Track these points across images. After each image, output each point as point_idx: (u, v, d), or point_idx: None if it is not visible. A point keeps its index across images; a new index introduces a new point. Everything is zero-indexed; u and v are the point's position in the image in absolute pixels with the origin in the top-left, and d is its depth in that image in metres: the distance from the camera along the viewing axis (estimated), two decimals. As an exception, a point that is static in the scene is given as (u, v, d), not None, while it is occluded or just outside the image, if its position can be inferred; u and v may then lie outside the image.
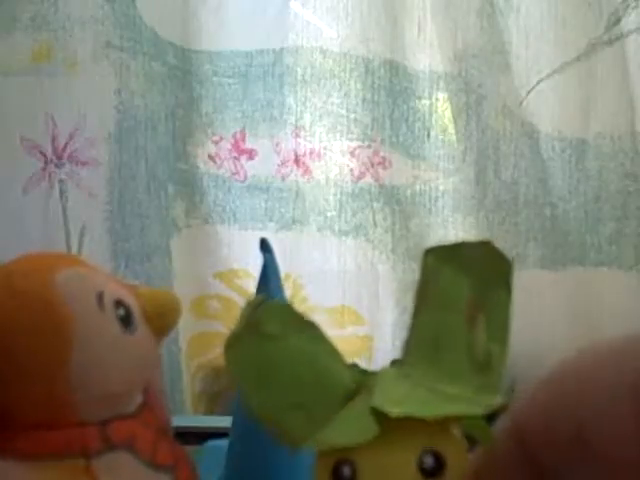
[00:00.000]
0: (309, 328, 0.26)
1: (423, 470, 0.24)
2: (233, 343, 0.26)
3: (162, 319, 0.37)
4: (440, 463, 0.24)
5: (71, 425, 0.33)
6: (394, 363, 0.27)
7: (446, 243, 0.25)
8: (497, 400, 0.24)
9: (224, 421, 0.47)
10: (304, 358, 0.26)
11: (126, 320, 0.35)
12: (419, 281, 0.26)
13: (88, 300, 0.34)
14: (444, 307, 0.25)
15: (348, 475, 0.24)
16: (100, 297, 0.34)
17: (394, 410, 0.23)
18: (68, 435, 0.33)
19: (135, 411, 0.36)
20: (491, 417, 0.24)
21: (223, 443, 0.46)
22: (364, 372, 0.27)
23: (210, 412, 0.85)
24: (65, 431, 0.33)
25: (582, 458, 0.22)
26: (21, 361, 0.32)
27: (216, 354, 0.85)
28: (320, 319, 0.29)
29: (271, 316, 0.26)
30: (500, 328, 0.24)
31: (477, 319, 0.24)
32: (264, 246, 0.43)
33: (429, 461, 0.24)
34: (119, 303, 0.35)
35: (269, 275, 0.43)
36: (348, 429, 0.24)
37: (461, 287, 0.24)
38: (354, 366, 0.28)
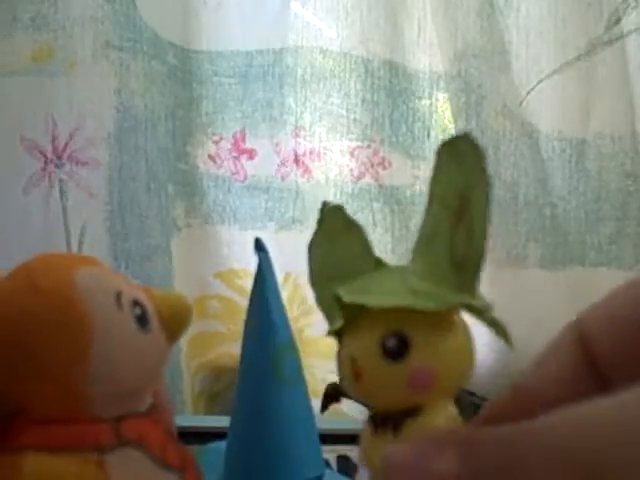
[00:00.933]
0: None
1: (386, 351, 0.24)
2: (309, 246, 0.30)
3: (176, 322, 0.37)
4: (405, 344, 0.24)
5: (84, 421, 0.33)
6: None
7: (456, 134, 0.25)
8: (465, 299, 0.24)
9: (224, 421, 0.47)
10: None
11: (142, 320, 0.35)
12: (431, 176, 0.26)
13: (107, 298, 0.34)
14: (442, 203, 0.25)
15: None
16: (118, 296, 0.34)
17: (347, 297, 0.25)
18: (81, 430, 0.33)
19: (146, 411, 0.36)
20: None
21: (225, 445, 0.46)
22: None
23: (210, 412, 0.85)
24: (78, 426, 0.33)
25: None
26: (40, 357, 0.33)
27: (216, 354, 0.85)
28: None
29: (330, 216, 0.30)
30: (478, 227, 0.24)
31: (464, 215, 0.24)
32: (258, 245, 0.43)
33: (392, 342, 0.24)
34: (136, 303, 0.35)
35: (265, 274, 0.43)
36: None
37: (456, 182, 0.25)
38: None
